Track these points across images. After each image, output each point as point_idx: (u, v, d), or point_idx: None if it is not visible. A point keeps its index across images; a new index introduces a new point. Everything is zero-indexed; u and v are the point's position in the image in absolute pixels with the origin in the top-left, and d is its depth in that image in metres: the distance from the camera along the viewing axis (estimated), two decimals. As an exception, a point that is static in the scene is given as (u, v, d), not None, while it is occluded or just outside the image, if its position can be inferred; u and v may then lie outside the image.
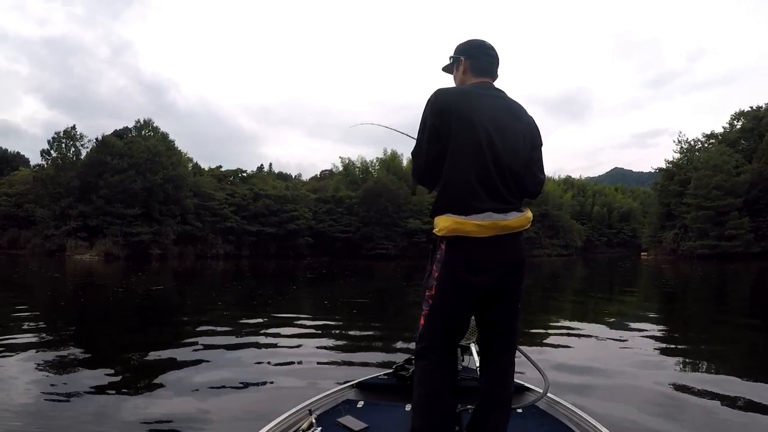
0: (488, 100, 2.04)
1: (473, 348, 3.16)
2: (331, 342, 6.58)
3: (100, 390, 4.11)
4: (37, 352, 5.50)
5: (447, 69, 2.31)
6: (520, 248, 2.05)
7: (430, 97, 2.04)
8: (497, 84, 2.20)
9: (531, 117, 2.16)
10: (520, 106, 2.14)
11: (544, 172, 2.21)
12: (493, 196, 1.95)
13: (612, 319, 8.98)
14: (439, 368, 1.99)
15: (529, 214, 2.05)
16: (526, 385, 2.94)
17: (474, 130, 1.95)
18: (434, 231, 2.01)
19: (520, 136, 2.06)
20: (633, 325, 8.11)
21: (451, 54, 2.25)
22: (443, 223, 1.95)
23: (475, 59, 2.18)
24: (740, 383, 4.53)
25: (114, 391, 4.09)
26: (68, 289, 14.73)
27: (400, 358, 4.00)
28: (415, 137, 2.16)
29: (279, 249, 57.07)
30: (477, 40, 2.23)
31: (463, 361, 3.17)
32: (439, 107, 1.99)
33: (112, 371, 4.73)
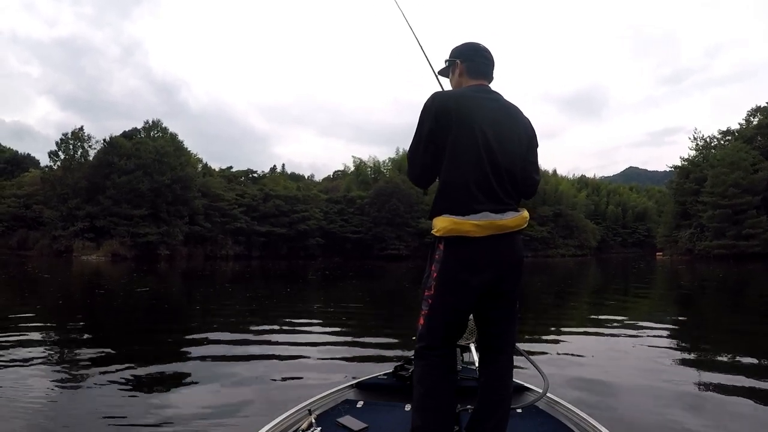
0: (485, 103, 2.06)
1: (473, 348, 3.12)
2: (330, 342, 6.51)
3: (91, 389, 4.14)
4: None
5: (443, 72, 2.33)
6: (517, 248, 2.06)
7: (428, 100, 2.05)
8: (492, 86, 2.20)
9: (527, 119, 2.18)
10: (516, 108, 2.15)
11: (539, 174, 2.24)
12: (490, 197, 1.97)
13: (626, 322, 8.73)
14: (438, 368, 1.99)
15: (525, 213, 2.05)
16: (526, 385, 2.92)
17: (472, 132, 1.97)
18: (432, 231, 2.03)
19: (517, 138, 2.08)
20: (646, 327, 7.94)
21: (447, 57, 2.27)
22: (441, 224, 1.96)
23: (471, 62, 2.19)
24: (756, 386, 4.35)
25: (108, 392, 4.08)
26: (50, 289, 14.67)
27: (399, 358, 3.92)
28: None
29: (290, 250, 57.30)
30: (472, 42, 2.26)
31: (462, 361, 3.13)
32: (436, 110, 2.00)
33: (99, 372, 4.68)
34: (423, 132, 2.03)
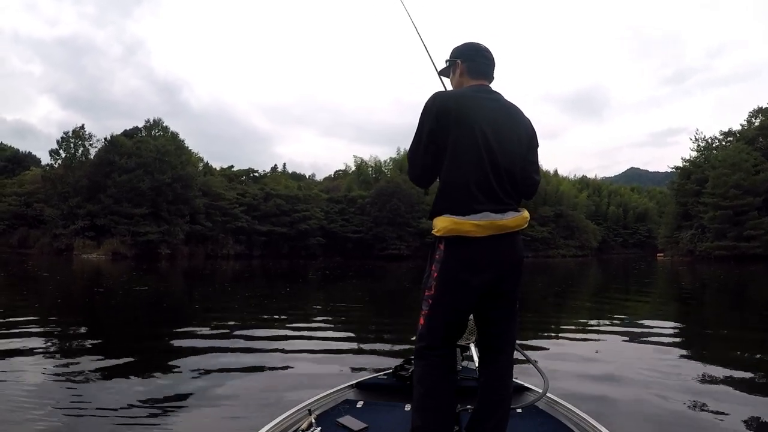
0: (486, 103, 2.06)
1: (473, 348, 3.10)
2: (330, 342, 6.49)
3: (89, 388, 4.12)
4: None
5: (444, 72, 2.33)
6: (517, 248, 2.06)
7: (428, 100, 2.05)
8: (493, 86, 2.20)
9: (528, 119, 2.18)
10: (517, 108, 2.15)
11: (540, 174, 2.25)
12: (490, 198, 1.97)
13: (626, 322, 8.76)
14: (438, 368, 1.99)
15: (525, 214, 2.05)
16: (526, 385, 2.93)
17: (472, 132, 1.97)
18: (433, 231, 2.03)
19: (517, 138, 2.08)
20: (647, 328, 7.97)
21: (448, 57, 2.27)
22: (442, 224, 1.97)
23: (472, 62, 2.19)
24: (758, 387, 4.36)
25: (106, 391, 4.06)
26: (48, 287, 14.64)
27: (399, 358, 3.92)
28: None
29: (291, 249, 57.25)
30: (473, 42, 2.26)
31: (462, 361, 3.13)
32: (437, 110, 2.00)
33: (97, 371, 4.68)
34: (423, 132, 2.03)
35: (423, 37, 2.59)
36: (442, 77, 2.39)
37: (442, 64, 2.32)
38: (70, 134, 49.60)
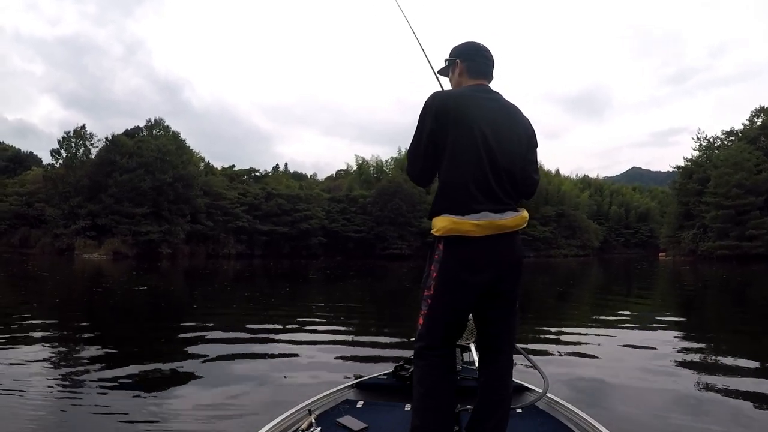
0: (485, 102, 2.06)
1: (473, 348, 3.10)
2: (330, 342, 6.47)
3: (88, 388, 4.11)
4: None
5: (443, 72, 2.33)
6: (517, 247, 2.06)
7: (428, 99, 2.05)
8: (493, 86, 2.20)
9: (527, 119, 2.18)
10: (516, 107, 2.15)
11: (539, 173, 2.24)
12: (490, 197, 1.96)
13: (627, 322, 8.74)
14: (438, 367, 1.99)
15: (525, 213, 2.05)
16: (526, 385, 2.91)
17: (471, 132, 1.97)
18: (432, 231, 2.02)
19: (516, 137, 2.08)
20: (648, 328, 7.98)
21: (447, 57, 2.27)
22: (441, 224, 1.96)
23: (471, 61, 2.19)
24: (758, 389, 4.29)
25: (106, 391, 4.06)
26: (47, 287, 14.63)
27: (399, 358, 3.91)
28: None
29: (292, 249, 57.35)
30: (472, 42, 2.25)
31: (462, 361, 3.12)
32: (436, 110, 2.00)
33: (96, 372, 4.67)
34: (423, 131, 2.03)
35: (421, 36, 2.58)
36: (440, 77, 2.38)
37: (442, 64, 2.31)
38: (72, 134, 49.90)
